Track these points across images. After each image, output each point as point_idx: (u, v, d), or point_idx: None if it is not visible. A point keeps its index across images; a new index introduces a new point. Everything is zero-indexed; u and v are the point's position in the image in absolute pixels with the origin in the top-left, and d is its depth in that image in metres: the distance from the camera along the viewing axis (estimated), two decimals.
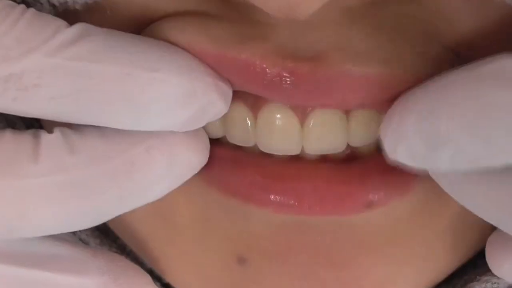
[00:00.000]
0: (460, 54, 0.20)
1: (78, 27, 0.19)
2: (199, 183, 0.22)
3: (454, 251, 0.23)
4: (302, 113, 0.21)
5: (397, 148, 0.19)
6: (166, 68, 0.19)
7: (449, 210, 0.22)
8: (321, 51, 0.19)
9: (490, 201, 0.18)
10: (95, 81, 0.18)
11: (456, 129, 0.17)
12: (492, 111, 0.17)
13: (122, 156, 0.20)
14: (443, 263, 0.23)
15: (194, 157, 0.21)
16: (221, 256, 0.22)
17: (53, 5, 0.20)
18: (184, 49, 0.20)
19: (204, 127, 0.21)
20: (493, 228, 0.21)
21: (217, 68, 0.20)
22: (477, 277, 0.24)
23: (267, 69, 0.19)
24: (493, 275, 0.22)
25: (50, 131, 0.20)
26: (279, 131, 0.21)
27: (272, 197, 0.21)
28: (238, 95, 0.21)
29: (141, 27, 0.20)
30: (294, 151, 0.22)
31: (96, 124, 0.19)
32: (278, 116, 0.21)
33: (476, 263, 0.24)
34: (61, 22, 0.19)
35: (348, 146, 0.22)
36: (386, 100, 0.20)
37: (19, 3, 0.19)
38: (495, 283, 0.24)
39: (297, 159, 0.22)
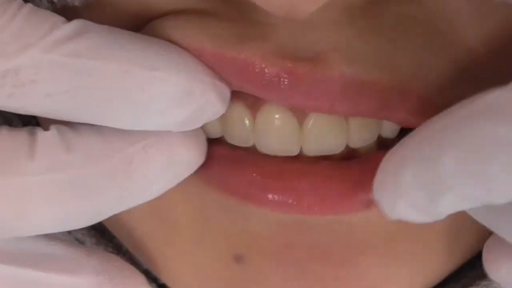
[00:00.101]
0: (459, 57, 0.20)
1: (76, 24, 0.18)
2: (197, 182, 0.22)
3: (451, 252, 0.23)
4: (301, 114, 0.21)
5: (397, 205, 0.18)
6: (165, 66, 0.19)
7: None
8: (321, 51, 0.19)
9: (488, 209, 0.18)
10: (93, 78, 0.18)
11: (457, 173, 0.17)
12: (487, 150, 0.16)
13: (120, 155, 0.20)
14: (441, 264, 0.23)
15: (192, 156, 0.20)
16: (220, 255, 0.22)
17: (52, 1, 0.19)
18: (183, 47, 0.20)
19: (202, 127, 0.21)
20: (490, 231, 0.21)
21: (215, 67, 0.20)
22: (476, 281, 0.24)
23: (266, 69, 0.19)
24: (492, 280, 0.22)
25: (46, 129, 0.20)
26: (277, 131, 0.21)
27: (271, 196, 0.21)
28: (237, 95, 0.21)
29: (140, 24, 0.20)
30: (293, 151, 0.22)
31: (95, 123, 0.19)
32: (277, 116, 0.21)
33: (474, 265, 0.24)
34: (58, 18, 0.19)
35: (347, 146, 0.22)
36: (379, 108, 0.20)
37: None
38: None
39: (296, 158, 0.22)
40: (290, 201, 0.21)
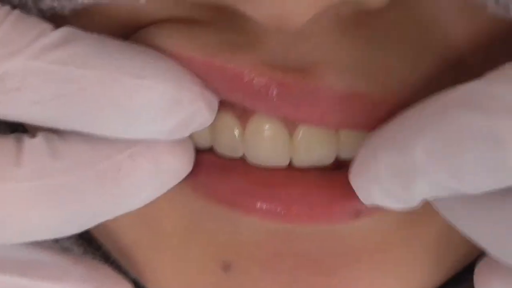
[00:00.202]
0: (451, 67, 0.20)
1: (63, 31, 0.18)
2: (185, 190, 0.22)
3: (440, 263, 0.23)
4: (291, 124, 0.21)
5: (371, 191, 0.19)
6: (152, 75, 0.19)
7: (436, 223, 0.22)
8: (311, 62, 0.19)
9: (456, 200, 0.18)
10: (80, 85, 0.18)
11: (429, 162, 0.17)
12: (459, 140, 0.16)
13: (109, 162, 0.19)
14: (429, 275, 0.23)
15: (180, 165, 0.20)
16: (208, 264, 0.22)
17: (41, 9, 0.19)
18: (171, 55, 0.20)
19: (192, 136, 0.21)
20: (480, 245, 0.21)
21: (204, 76, 0.20)
22: None
23: (254, 79, 0.19)
24: None
25: (34, 136, 0.20)
26: (267, 142, 0.21)
27: (259, 205, 0.21)
28: (227, 105, 0.21)
29: (129, 32, 0.20)
30: (283, 162, 0.21)
31: (83, 130, 0.19)
32: (267, 127, 0.21)
33: (459, 280, 0.24)
34: (46, 26, 0.18)
35: (337, 156, 0.22)
36: (370, 121, 0.20)
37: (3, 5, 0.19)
38: None
39: (285, 167, 0.22)
40: (279, 209, 0.21)
